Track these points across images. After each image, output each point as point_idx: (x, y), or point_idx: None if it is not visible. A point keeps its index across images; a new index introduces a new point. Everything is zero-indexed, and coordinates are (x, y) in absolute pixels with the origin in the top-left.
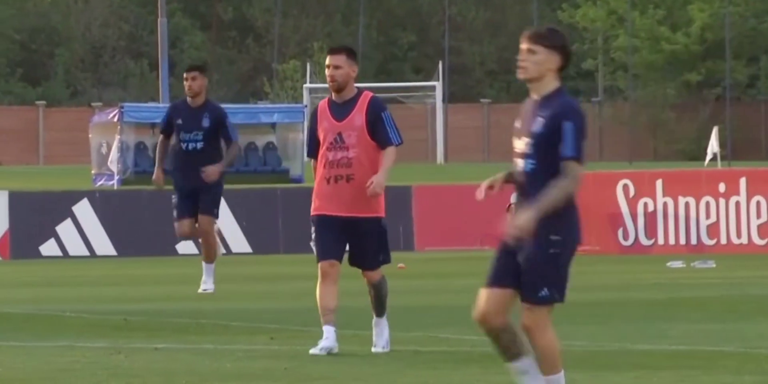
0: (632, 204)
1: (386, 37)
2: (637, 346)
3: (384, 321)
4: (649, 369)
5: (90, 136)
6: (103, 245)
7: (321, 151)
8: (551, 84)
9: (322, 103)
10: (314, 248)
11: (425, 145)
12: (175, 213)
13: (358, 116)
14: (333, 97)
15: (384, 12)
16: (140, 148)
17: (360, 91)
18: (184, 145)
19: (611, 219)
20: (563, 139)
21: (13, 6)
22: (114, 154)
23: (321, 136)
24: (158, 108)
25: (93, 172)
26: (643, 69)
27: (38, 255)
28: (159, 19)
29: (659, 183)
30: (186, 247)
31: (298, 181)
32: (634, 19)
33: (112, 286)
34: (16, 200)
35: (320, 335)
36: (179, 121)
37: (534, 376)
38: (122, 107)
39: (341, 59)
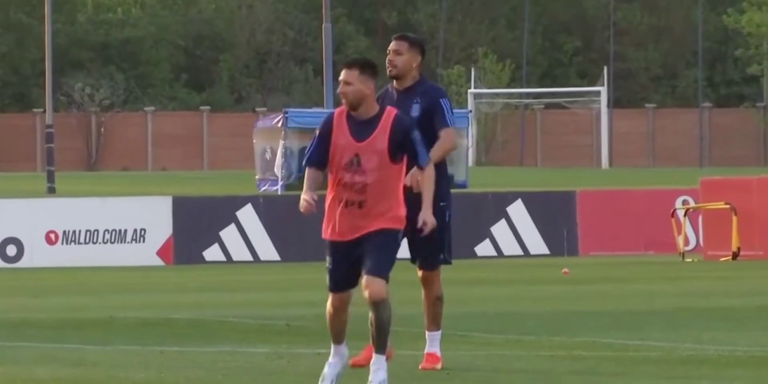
0: None
1: (551, 43)
2: None
3: (382, 359)
4: None
5: (254, 141)
6: (267, 250)
7: (334, 168)
8: None
9: (340, 112)
10: (326, 275)
11: (590, 150)
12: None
13: (381, 138)
14: (352, 112)
15: (549, 17)
16: (305, 153)
17: (383, 108)
18: None
19: None
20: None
21: (178, 12)
22: (279, 159)
23: (332, 152)
24: (322, 113)
25: (257, 177)
26: None
27: (202, 260)
28: (324, 25)
29: None
30: None
31: (463, 186)
32: None
33: (275, 291)
34: (179, 205)
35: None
36: None
37: None
38: (286, 112)
39: (353, 75)
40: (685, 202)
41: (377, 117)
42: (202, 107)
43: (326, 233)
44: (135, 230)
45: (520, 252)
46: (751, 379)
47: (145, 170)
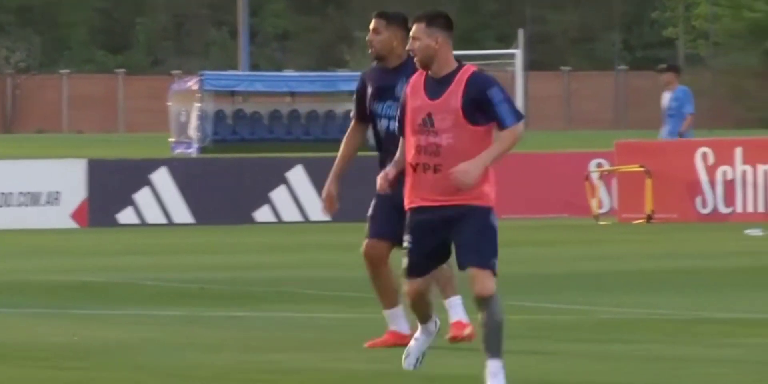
0: (711, 172)
1: (470, 5)
2: (717, 314)
3: (499, 364)
4: (730, 337)
5: (169, 104)
6: (181, 213)
7: (410, 131)
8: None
9: (419, 73)
10: (402, 258)
11: None
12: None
13: (454, 96)
14: (424, 70)
15: None
16: (219, 116)
17: (461, 65)
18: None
19: (690, 187)
20: None
21: None
22: (194, 122)
23: (408, 114)
24: (238, 76)
25: (171, 140)
26: (724, 37)
27: (116, 223)
28: None
29: (738, 151)
30: (264, 214)
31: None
32: None
33: (189, 254)
34: (94, 168)
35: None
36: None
37: None
38: (202, 75)
39: (420, 29)
40: (599, 165)
41: (453, 74)
42: (117, 70)
43: (406, 204)
44: (49, 193)
45: None
46: (668, 343)
47: (61, 133)
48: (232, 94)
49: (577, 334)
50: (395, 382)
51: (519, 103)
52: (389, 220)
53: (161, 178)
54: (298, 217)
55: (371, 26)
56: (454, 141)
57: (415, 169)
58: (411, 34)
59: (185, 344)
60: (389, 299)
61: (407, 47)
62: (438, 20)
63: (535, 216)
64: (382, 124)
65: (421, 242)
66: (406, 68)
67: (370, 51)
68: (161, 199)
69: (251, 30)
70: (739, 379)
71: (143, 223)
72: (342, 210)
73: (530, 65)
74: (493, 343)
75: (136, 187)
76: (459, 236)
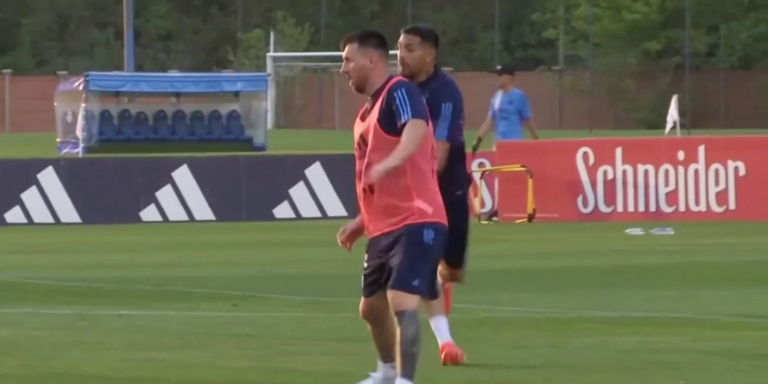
0: (592, 172)
1: (349, 6)
2: (597, 312)
3: None
4: (609, 335)
5: (55, 104)
6: (68, 213)
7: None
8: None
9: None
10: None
11: None
12: None
13: (375, 110)
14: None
15: None
16: (105, 116)
17: (389, 78)
18: None
19: (570, 187)
20: None
21: None
22: (80, 122)
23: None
24: (123, 77)
25: (58, 140)
26: (604, 38)
27: (3, 222)
28: None
29: (619, 151)
30: (150, 214)
31: (261, 149)
32: None
33: (76, 254)
34: None
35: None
36: None
37: None
38: (87, 76)
39: (352, 50)
40: (481, 165)
41: (380, 89)
42: (4, 70)
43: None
44: None
45: (318, 214)
46: (549, 341)
47: None
48: (117, 94)
49: (455, 331)
50: (280, 378)
51: None
52: None
53: (48, 177)
54: (183, 217)
55: (403, 42)
56: (380, 156)
57: (363, 196)
58: (344, 55)
59: (73, 342)
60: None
61: (341, 70)
62: (371, 39)
63: None
64: None
65: (368, 265)
66: (431, 83)
67: (400, 69)
68: (48, 199)
69: (135, 31)
70: (615, 378)
71: (30, 223)
72: (225, 209)
73: None
74: (404, 362)
75: (23, 187)
76: (391, 260)
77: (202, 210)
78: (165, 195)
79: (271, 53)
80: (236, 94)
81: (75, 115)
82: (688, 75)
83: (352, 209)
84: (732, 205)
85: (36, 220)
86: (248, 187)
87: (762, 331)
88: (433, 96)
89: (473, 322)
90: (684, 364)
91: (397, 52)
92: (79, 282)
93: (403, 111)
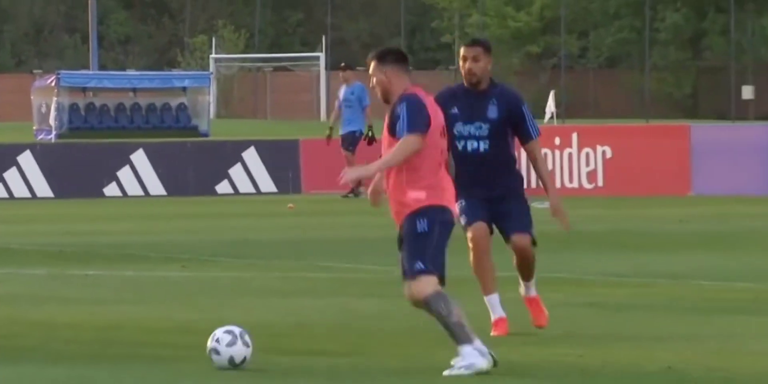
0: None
1: (279, 16)
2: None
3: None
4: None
5: (32, 98)
6: (43, 189)
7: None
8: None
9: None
10: None
11: (311, 106)
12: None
13: (387, 119)
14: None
15: None
16: (74, 108)
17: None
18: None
19: None
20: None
21: None
22: (53, 112)
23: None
24: (89, 75)
25: (34, 128)
26: (493, 42)
27: None
28: (89, 0)
29: None
30: (112, 190)
31: (205, 135)
32: (484, 0)
33: (50, 223)
34: None
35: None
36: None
37: None
38: (59, 74)
39: (372, 66)
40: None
41: (396, 101)
42: None
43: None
44: None
45: (253, 190)
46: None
47: None
48: (84, 90)
49: (377, 289)
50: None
51: (323, 97)
52: (481, 208)
53: (26, 159)
54: (140, 192)
55: (469, 54)
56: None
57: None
58: (370, 72)
59: (48, 298)
60: (491, 285)
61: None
62: (388, 56)
63: (337, 191)
64: (470, 144)
65: None
66: (494, 90)
67: (466, 79)
68: (26, 177)
69: (99, 36)
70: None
71: (11, 197)
72: (175, 186)
73: (331, 66)
74: (453, 332)
75: (5, 167)
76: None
77: (156, 187)
78: (124, 174)
79: (213, 55)
80: (184, 89)
81: (48, 107)
82: (563, 73)
83: (281, 185)
84: (600, 183)
85: (16, 195)
86: (195, 168)
87: (624, 288)
88: (507, 101)
89: (391, 280)
90: (561, 316)
91: (459, 63)
92: (52, 247)
93: (401, 126)
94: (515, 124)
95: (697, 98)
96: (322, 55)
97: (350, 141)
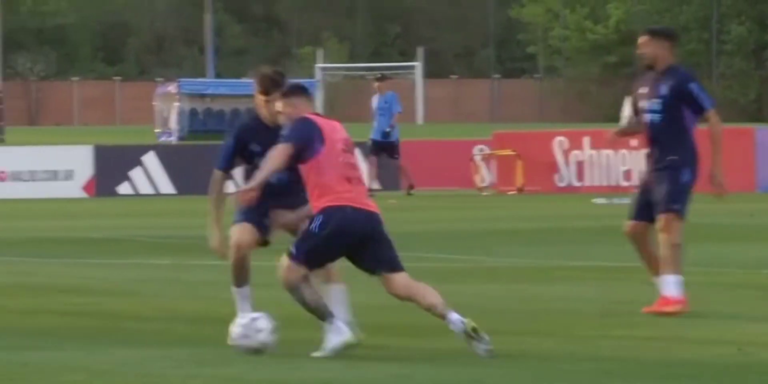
0: (566, 155)
1: (378, 29)
2: (571, 262)
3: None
4: (581, 280)
5: (155, 103)
6: (166, 186)
7: None
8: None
9: None
10: None
11: (409, 111)
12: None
13: None
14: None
15: (377, 9)
16: (193, 113)
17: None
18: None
19: (549, 166)
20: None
21: (96, 5)
22: (174, 117)
23: None
24: (207, 82)
25: (156, 130)
26: (573, 53)
27: (116, 194)
28: (205, 15)
29: (586, 139)
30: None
31: None
32: (566, 15)
33: (173, 217)
34: (99, 152)
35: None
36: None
37: None
38: (180, 82)
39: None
40: (482, 150)
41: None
42: (114, 77)
43: None
44: (65, 171)
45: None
46: (534, 284)
47: (72, 125)
48: (203, 96)
49: (471, 278)
50: (213, 310)
51: (419, 103)
52: (644, 205)
53: (150, 159)
54: None
55: (639, 41)
56: None
57: None
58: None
59: (171, 285)
60: (654, 269)
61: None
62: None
63: (433, 188)
64: (649, 117)
65: None
66: (670, 72)
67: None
68: (150, 175)
69: (216, 47)
70: (590, 310)
71: (137, 194)
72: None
73: (426, 74)
74: (316, 315)
75: (132, 166)
76: None
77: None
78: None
79: (319, 64)
80: None
81: (170, 112)
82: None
83: (384, 183)
84: None
85: (141, 191)
86: None
87: (699, 276)
88: (672, 80)
89: (485, 269)
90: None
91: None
92: (176, 239)
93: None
94: (685, 100)
95: (761, 103)
96: (418, 64)
97: (389, 149)
